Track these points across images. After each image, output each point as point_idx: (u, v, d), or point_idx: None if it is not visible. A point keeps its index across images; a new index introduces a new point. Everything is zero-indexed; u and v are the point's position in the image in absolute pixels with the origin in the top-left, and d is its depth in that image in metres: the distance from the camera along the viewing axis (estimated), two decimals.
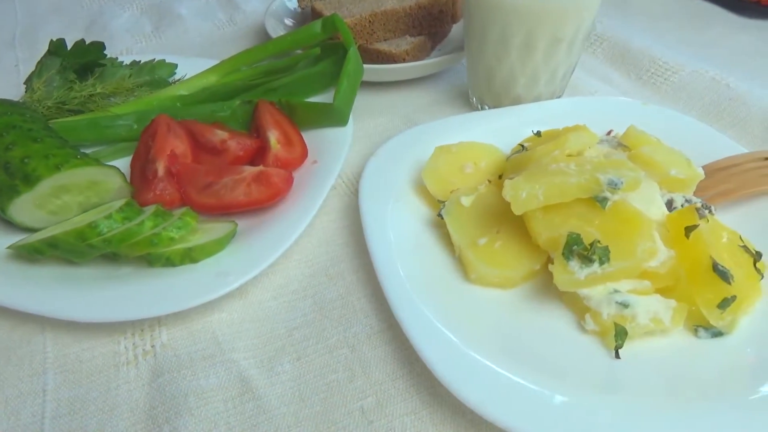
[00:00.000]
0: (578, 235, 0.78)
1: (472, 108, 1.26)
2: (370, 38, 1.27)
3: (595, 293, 0.76)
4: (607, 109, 1.12)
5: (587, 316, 0.77)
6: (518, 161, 0.93)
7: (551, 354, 0.75)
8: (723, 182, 0.94)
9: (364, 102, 1.26)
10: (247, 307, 0.83)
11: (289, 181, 0.94)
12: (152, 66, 1.21)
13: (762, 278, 0.79)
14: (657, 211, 0.84)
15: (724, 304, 0.73)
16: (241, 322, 0.81)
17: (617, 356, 0.74)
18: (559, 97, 1.24)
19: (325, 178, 0.96)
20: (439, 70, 1.32)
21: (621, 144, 0.95)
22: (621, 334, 0.74)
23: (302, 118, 1.08)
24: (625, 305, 0.74)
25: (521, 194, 0.80)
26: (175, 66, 1.24)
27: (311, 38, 1.15)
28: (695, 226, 0.77)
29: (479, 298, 0.82)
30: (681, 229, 0.78)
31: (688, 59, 1.33)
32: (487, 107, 1.22)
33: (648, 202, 0.85)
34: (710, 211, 0.88)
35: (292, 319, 0.82)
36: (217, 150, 1.01)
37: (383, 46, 1.26)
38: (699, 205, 0.86)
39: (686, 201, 0.87)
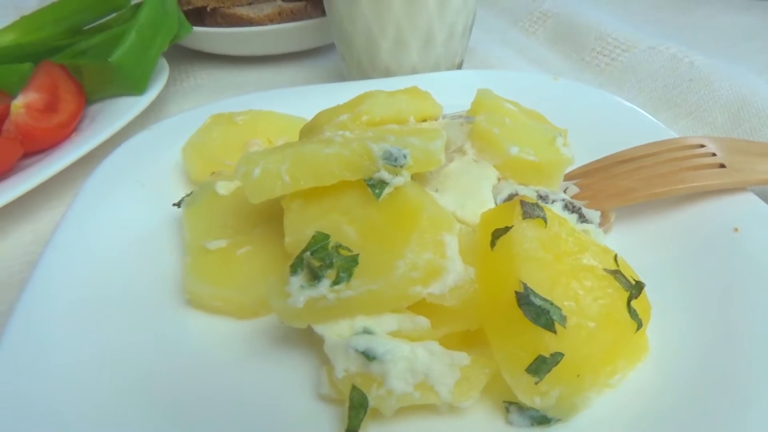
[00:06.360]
0: (327, 236, 0.48)
1: None
2: (227, 0, 1.01)
3: (332, 333, 0.45)
4: (504, 85, 0.81)
5: (321, 372, 0.46)
6: (305, 131, 0.63)
7: None
8: (624, 178, 0.61)
9: (212, 78, 1.01)
10: None
11: (3, 153, 0.68)
12: None
13: (640, 327, 0.46)
14: (479, 208, 0.52)
15: (540, 366, 0.41)
16: None
17: None
18: (459, 67, 0.94)
19: (64, 157, 0.70)
20: (317, 44, 1.05)
21: (468, 118, 0.63)
22: (357, 408, 0.43)
23: (91, 83, 0.84)
24: (369, 357, 0.43)
25: (253, 172, 0.50)
26: None
27: None
28: (506, 229, 0.45)
29: (188, 335, 0.52)
30: (489, 236, 0.46)
31: (647, 35, 1.00)
32: None
33: (468, 195, 0.54)
34: (580, 216, 0.55)
35: None
36: None
37: (243, 11, 1.01)
38: (549, 199, 0.54)
39: (540, 198, 0.55)
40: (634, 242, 0.58)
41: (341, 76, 1.00)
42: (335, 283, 0.44)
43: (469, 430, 0.44)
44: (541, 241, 0.46)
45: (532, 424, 0.43)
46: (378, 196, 0.49)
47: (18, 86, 0.86)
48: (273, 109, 0.76)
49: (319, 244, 0.47)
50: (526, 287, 0.42)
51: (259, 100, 0.79)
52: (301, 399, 0.47)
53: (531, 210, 0.47)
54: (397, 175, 0.50)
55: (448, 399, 0.43)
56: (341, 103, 0.61)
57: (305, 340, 0.51)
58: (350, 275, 0.45)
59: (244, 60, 1.05)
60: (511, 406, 0.44)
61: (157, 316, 0.53)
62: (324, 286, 0.44)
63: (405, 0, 0.78)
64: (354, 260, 0.45)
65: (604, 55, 1.00)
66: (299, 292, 0.44)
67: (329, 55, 1.07)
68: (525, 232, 0.45)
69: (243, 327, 0.53)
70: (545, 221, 0.47)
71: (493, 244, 0.45)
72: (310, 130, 0.61)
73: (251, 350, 0.51)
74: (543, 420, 0.43)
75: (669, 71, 0.91)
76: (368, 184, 0.50)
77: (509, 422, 0.44)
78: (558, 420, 0.43)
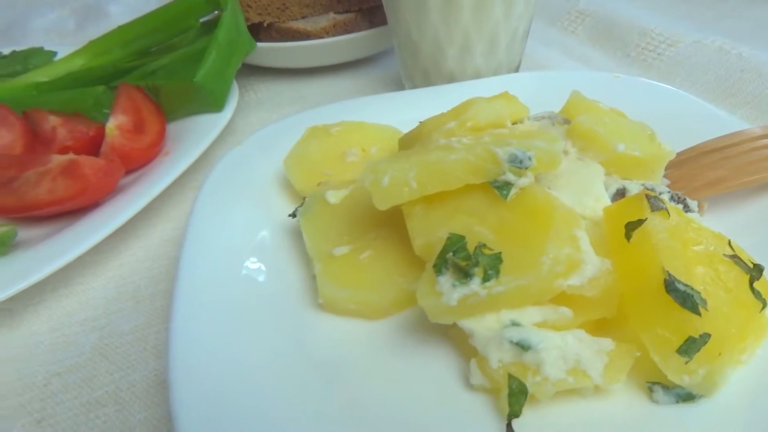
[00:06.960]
0: (462, 237, 0.51)
1: None
2: (282, 15, 1.04)
3: (481, 327, 0.48)
4: (566, 86, 0.84)
5: (472, 364, 0.49)
6: (408, 140, 0.66)
7: (417, 426, 0.47)
8: (713, 168, 0.64)
9: (272, 91, 1.04)
10: (12, 340, 0.60)
11: (110, 174, 0.71)
12: (25, 54, 1.03)
13: (765, 306, 0.49)
14: (595, 204, 0.56)
15: (690, 347, 0.44)
16: None
17: (509, 429, 0.45)
18: (517, 70, 0.97)
19: (164, 175, 0.73)
20: (371, 52, 1.08)
21: (561, 119, 0.67)
22: (517, 395, 0.46)
23: (169, 102, 0.86)
24: (524, 347, 0.46)
25: (382, 180, 0.53)
26: (53, 54, 1.05)
27: (196, 10, 0.94)
28: (640, 222, 0.49)
29: (328, 335, 0.55)
30: (621, 229, 0.50)
31: (689, 30, 1.04)
32: None
33: (581, 192, 0.57)
34: (685, 206, 0.59)
35: (60, 360, 0.58)
36: (49, 139, 0.80)
37: (298, 24, 1.04)
38: (656, 192, 0.57)
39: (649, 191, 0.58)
40: (726, 228, 0.62)
41: (398, 83, 1.03)
42: (485, 280, 0.47)
43: (617, 411, 0.47)
44: (670, 232, 0.49)
45: (678, 401, 0.46)
46: (505, 197, 0.52)
47: (93, 109, 0.89)
48: (346, 118, 0.79)
49: (457, 245, 0.51)
50: (670, 274, 0.45)
51: (333, 111, 0.81)
52: (450, 390, 0.50)
53: (656, 203, 0.50)
54: (521, 176, 0.53)
55: (600, 382, 0.46)
56: (444, 111, 0.64)
57: (438, 335, 0.54)
58: (497, 272, 0.48)
59: (299, 72, 1.08)
60: (655, 386, 0.47)
61: (296, 320, 0.56)
62: (475, 284, 0.47)
63: (474, 7, 0.82)
64: (498, 258, 0.48)
65: (650, 51, 1.03)
66: (451, 290, 0.47)
67: (382, 63, 1.11)
68: (657, 223, 0.49)
69: (375, 327, 0.56)
70: (668, 213, 0.50)
71: (628, 236, 0.49)
72: (416, 139, 0.64)
73: (392, 348, 0.54)
74: (688, 397, 0.46)
75: (718, 64, 0.94)
76: (494, 186, 0.53)
77: (654, 401, 0.47)
78: (701, 396, 0.46)
